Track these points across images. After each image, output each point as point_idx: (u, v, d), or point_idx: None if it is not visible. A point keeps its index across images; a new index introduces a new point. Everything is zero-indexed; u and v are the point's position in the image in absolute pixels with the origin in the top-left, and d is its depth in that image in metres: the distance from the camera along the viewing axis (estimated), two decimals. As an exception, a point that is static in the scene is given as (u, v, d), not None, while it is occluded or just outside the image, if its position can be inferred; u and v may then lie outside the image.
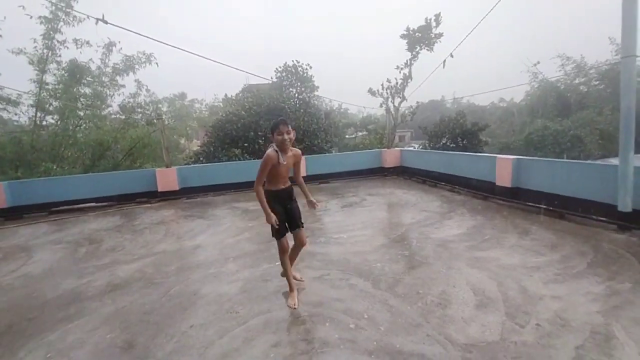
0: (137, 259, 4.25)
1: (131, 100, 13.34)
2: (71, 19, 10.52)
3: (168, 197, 8.07)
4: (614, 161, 4.61)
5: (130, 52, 12.35)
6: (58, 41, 10.94)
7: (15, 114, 11.44)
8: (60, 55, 11.25)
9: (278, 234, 2.86)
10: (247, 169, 9.11)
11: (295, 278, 3.20)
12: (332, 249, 4.19)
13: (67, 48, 11.20)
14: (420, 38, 11.66)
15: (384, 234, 4.66)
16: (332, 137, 14.15)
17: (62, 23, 10.66)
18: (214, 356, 2.27)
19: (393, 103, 12.39)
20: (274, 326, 2.59)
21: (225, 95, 21.71)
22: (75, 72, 11.43)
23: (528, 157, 6.22)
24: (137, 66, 12.27)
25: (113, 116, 13.95)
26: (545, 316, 2.51)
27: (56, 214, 7.22)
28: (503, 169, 6.16)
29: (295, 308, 2.81)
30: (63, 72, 11.43)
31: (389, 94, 12.37)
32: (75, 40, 11.21)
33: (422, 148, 16.40)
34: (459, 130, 14.34)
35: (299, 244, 3.04)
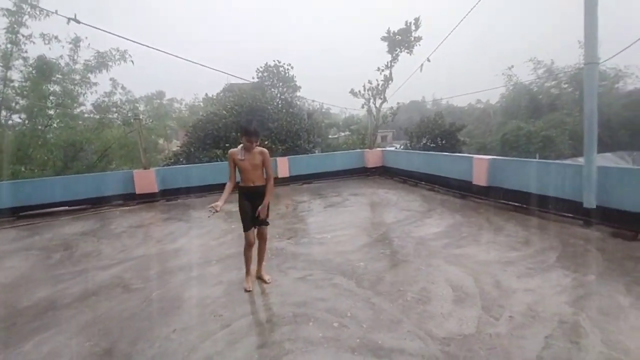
0: (114, 264, 4.11)
1: (106, 99, 12.84)
2: (37, 12, 9.99)
3: (147, 199, 7.84)
4: (582, 160, 4.92)
5: (103, 48, 11.79)
6: (23, 35, 10.37)
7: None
8: (26, 51, 10.68)
9: (245, 227, 3.14)
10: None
11: (262, 279, 3.39)
12: (315, 249, 4.23)
13: (34, 43, 10.63)
14: (401, 41, 11.91)
15: (367, 234, 4.75)
16: (315, 138, 14.19)
17: (27, 16, 10.10)
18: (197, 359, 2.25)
19: (374, 104, 12.59)
20: (258, 328, 2.59)
21: (206, 94, 21.27)
22: (44, 69, 10.86)
23: (502, 157, 6.50)
24: (110, 63, 11.80)
25: (86, 115, 13.37)
26: (518, 309, 2.65)
27: (26, 218, 6.85)
28: (479, 169, 6.42)
29: (249, 290, 3.13)
30: (30, 68, 10.84)
31: (370, 95, 12.56)
32: (43, 35, 10.65)
33: (403, 148, 16.74)
34: (438, 131, 14.76)
35: (260, 238, 3.29)
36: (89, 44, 11.45)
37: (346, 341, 2.36)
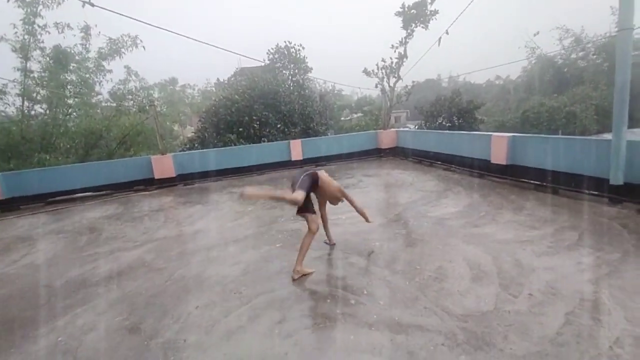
0: (138, 246, 4.30)
1: (121, 87, 13.00)
2: (50, 1, 10.05)
3: (165, 184, 8.06)
4: (608, 137, 4.67)
5: (114, 35, 11.80)
6: (39, 26, 10.50)
7: (2, 104, 11.14)
8: (42, 41, 10.84)
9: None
10: (243, 154, 9.08)
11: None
12: (332, 230, 4.25)
13: (49, 33, 10.76)
14: (416, 15, 11.36)
15: (382, 214, 4.73)
16: (328, 120, 14.03)
17: (41, 6, 10.19)
18: (220, 333, 2.36)
19: (388, 83, 12.22)
20: (277, 304, 2.67)
21: (218, 79, 21.25)
22: (61, 59, 11.05)
23: (522, 134, 6.24)
24: (123, 50, 11.85)
25: (104, 104, 13.64)
26: (537, 286, 2.61)
27: (53, 204, 7.20)
28: (498, 147, 6.20)
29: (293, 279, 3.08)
30: (48, 58, 11.05)
31: (384, 74, 12.17)
32: (56, 24, 10.75)
33: (418, 128, 16.35)
34: (455, 109, 14.28)
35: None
36: (99, 32, 11.50)
37: (363, 317, 2.40)
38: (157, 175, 8.03)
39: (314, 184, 3.21)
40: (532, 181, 5.51)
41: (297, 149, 9.28)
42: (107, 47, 11.74)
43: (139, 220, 5.50)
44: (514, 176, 5.92)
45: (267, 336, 2.30)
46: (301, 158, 9.31)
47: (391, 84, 12.26)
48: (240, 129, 11.41)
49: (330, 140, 10.54)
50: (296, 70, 15.28)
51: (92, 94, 12.45)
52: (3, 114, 11.91)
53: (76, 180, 7.64)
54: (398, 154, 9.95)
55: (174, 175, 8.16)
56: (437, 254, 3.33)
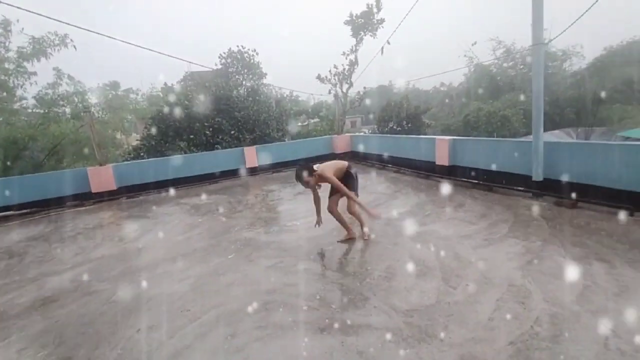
0: (70, 268, 3.86)
1: (50, 91, 11.66)
2: None
3: (104, 198, 7.37)
4: (530, 138, 5.27)
5: (42, 32, 10.52)
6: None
7: None
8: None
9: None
10: (194, 162, 8.67)
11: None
12: (286, 237, 4.24)
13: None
14: (364, 24, 11.90)
15: (336, 218, 4.81)
16: (284, 126, 13.98)
17: None
18: (164, 356, 2.20)
19: (341, 89, 12.60)
20: (227, 318, 2.57)
21: (165, 84, 20.06)
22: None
23: (461, 137, 6.82)
24: (49, 50, 10.63)
25: (29, 110, 12.11)
26: (473, 277, 2.85)
27: (-37, 227, 6.18)
28: (441, 149, 6.69)
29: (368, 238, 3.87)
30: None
31: (337, 80, 12.53)
32: None
33: (371, 132, 17.01)
34: (404, 114, 15.12)
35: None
36: (22, 28, 10.20)
37: (316, 322, 2.41)
38: (95, 188, 7.32)
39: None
40: (471, 180, 6.02)
41: (251, 156, 9.10)
42: (30, 46, 10.46)
43: (71, 239, 4.95)
44: (456, 176, 6.42)
45: (216, 353, 2.20)
46: (256, 165, 9.15)
47: (344, 90, 12.66)
48: (192, 136, 10.90)
49: (286, 146, 10.52)
50: (250, 76, 15.04)
51: (14, 99, 11.00)
52: None
53: (-7, 197, 6.66)
54: (353, 158, 10.24)
55: (114, 187, 7.49)
56: (387, 254, 3.48)
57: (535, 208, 4.48)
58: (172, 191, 7.84)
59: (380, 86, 43.25)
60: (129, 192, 7.70)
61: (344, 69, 12.55)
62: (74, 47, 10.70)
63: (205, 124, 10.93)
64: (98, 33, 5.89)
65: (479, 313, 2.36)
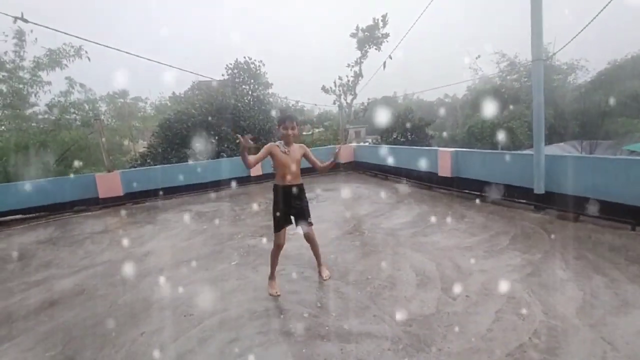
0: (77, 272, 3.94)
1: (62, 99, 11.99)
2: None
3: (111, 203, 7.50)
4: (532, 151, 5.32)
5: (57, 43, 10.91)
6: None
7: None
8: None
9: (276, 228, 2.95)
10: (200, 170, 8.80)
11: (321, 274, 3.26)
12: (288, 245, 4.23)
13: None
14: (369, 37, 12.16)
15: (338, 227, 4.87)
16: (289, 135, 14.12)
17: None
18: (168, 359, 2.26)
19: (345, 100, 12.78)
20: (230, 324, 2.62)
21: (173, 93, 20.52)
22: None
23: (464, 149, 6.88)
24: (65, 61, 11.01)
25: (40, 117, 12.44)
26: (473, 288, 2.88)
27: (-27, 229, 6.32)
28: (444, 161, 6.75)
29: (278, 295, 2.96)
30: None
31: (341, 91, 12.74)
32: None
33: (374, 143, 17.12)
34: (408, 125, 15.24)
35: (309, 239, 3.15)
36: (35, 39, 10.55)
37: (316, 329, 2.45)
38: (102, 194, 7.46)
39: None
40: (473, 192, 6.06)
41: (256, 165, 9.21)
42: (46, 57, 10.83)
43: (78, 244, 5.05)
44: (458, 187, 6.46)
45: (218, 357, 2.24)
46: (261, 173, 9.26)
47: (348, 101, 12.85)
48: (197, 144, 11.08)
49: (290, 155, 10.61)
50: (256, 86, 15.33)
51: (27, 106, 11.32)
52: None
53: (4, 201, 6.82)
54: (356, 168, 10.33)
55: (121, 193, 7.63)
56: (388, 263, 3.51)
57: (537, 221, 4.50)
58: (177, 198, 7.96)
59: (384, 97, 43.70)
60: (136, 198, 7.83)
61: (349, 81, 12.78)
62: (88, 58, 11.06)
63: (211, 132, 11.12)
64: (112, 47, 6.12)
65: (478, 324, 2.38)
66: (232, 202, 7.09)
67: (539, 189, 4.87)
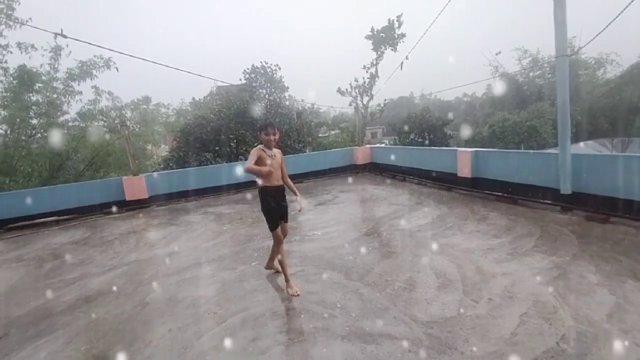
0: (107, 271, 4.15)
1: (91, 107, 12.66)
2: (12, 21, 9.78)
3: (137, 205, 7.83)
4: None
5: (87, 56, 11.65)
6: (0, 45, 10.18)
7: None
8: (6, 61, 10.49)
9: (274, 225, 3.11)
10: (219, 172, 9.03)
11: (278, 271, 3.46)
12: (307, 246, 4.34)
13: (11, 53, 10.45)
14: (384, 38, 12.10)
15: (356, 229, 4.88)
16: (305, 137, 14.28)
17: (3, 26, 9.90)
18: (193, 355, 2.34)
19: (361, 101, 12.76)
20: (251, 322, 2.69)
21: (193, 98, 21.16)
22: (25, 79, 10.68)
23: (484, 149, 6.71)
24: (94, 72, 11.66)
25: (71, 124, 13.18)
26: (496, 291, 2.81)
27: (13, 230, 6.78)
28: (463, 161, 6.61)
29: (298, 295, 3.03)
30: (11, 79, 10.65)
31: (357, 92, 12.73)
32: (19, 45, 10.47)
33: (392, 144, 16.96)
34: (426, 126, 15.01)
35: (284, 234, 3.31)
36: (69, 52, 11.27)
37: (336, 330, 2.48)
38: (129, 197, 7.80)
39: None
40: (494, 193, 5.90)
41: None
42: (78, 68, 11.50)
43: (108, 244, 5.31)
44: (479, 188, 6.31)
45: (241, 355, 2.31)
46: (278, 175, 9.38)
47: (364, 102, 12.81)
48: (217, 148, 11.38)
49: (307, 157, 10.72)
50: (273, 90, 15.58)
51: (58, 114, 12.03)
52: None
53: (39, 204, 7.26)
54: (373, 169, 10.28)
55: (146, 196, 7.95)
56: (408, 265, 3.49)
57: (564, 222, 4.33)
58: (198, 200, 8.21)
59: (401, 97, 43.21)
60: (159, 201, 8.13)
61: (365, 82, 12.75)
62: (117, 69, 11.64)
63: (230, 135, 11.40)
64: (138, 57, 6.44)
65: (501, 328, 2.33)
66: (251, 204, 7.23)
67: (566, 189, 4.69)
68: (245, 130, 11.77)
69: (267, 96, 15.24)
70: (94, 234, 6.05)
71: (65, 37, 5.29)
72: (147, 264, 4.27)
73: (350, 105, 13.14)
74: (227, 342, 2.45)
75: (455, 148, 7.22)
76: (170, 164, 11.41)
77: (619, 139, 19.31)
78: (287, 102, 16.46)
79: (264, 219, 3.15)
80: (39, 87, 11.05)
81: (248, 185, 9.05)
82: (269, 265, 3.58)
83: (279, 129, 3.20)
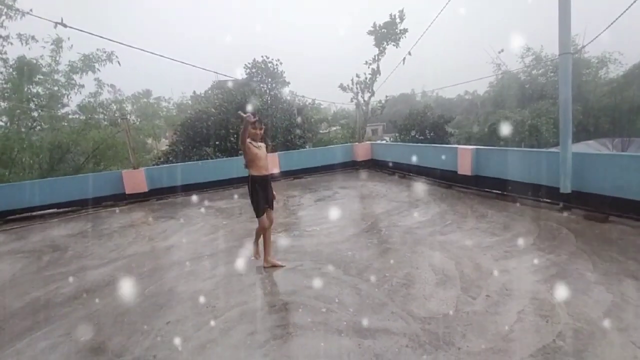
0: (107, 263, 4.16)
1: (92, 99, 12.61)
2: (13, 12, 9.69)
3: (137, 199, 7.83)
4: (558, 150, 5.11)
5: (88, 50, 11.54)
6: (0, 36, 10.10)
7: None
8: (5, 53, 10.42)
9: (260, 211, 3.44)
10: (220, 167, 9.03)
11: (275, 265, 3.61)
12: (306, 241, 4.34)
13: (12, 44, 10.38)
14: (386, 34, 11.99)
15: (355, 225, 4.88)
16: (306, 133, 14.24)
17: (4, 17, 9.82)
18: (191, 348, 2.36)
19: (363, 98, 12.69)
20: (250, 316, 2.70)
21: (194, 92, 21.06)
22: (25, 71, 10.62)
23: (485, 147, 6.69)
24: (97, 65, 11.60)
25: (71, 116, 13.13)
26: (494, 288, 2.82)
27: (13, 222, 6.79)
28: (464, 159, 6.60)
29: (257, 258, 3.61)
30: (11, 70, 10.59)
31: (358, 89, 12.65)
32: (20, 36, 10.39)
33: (392, 141, 16.92)
34: (427, 123, 14.96)
35: (270, 221, 3.61)
36: (71, 45, 11.20)
37: (334, 324, 2.49)
38: (129, 190, 7.80)
39: None
40: (494, 190, 5.89)
41: (273, 163, 9.35)
42: (80, 62, 11.44)
43: (107, 237, 5.32)
44: (479, 186, 6.30)
45: (239, 348, 2.32)
46: (279, 171, 9.38)
47: (365, 99, 12.74)
48: (217, 142, 11.35)
49: (308, 153, 10.71)
50: (274, 84, 15.49)
51: (59, 106, 11.98)
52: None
53: (39, 196, 7.27)
54: (373, 166, 10.26)
55: (146, 190, 7.95)
56: (406, 262, 3.50)
57: (563, 221, 4.33)
58: (198, 194, 8.20)
59: (402, 94, 43.01)
60: (159, 195, 8.13)
61: (366, 78, 12.65)
62: (119, 62, 11.58)
63: (231, 130, 11.35)
64: (143, 50, 6.36)
65: (498, 324, 2.34)
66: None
67: (565, 187, 4.68)
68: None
69: (268, 91, 15.17)
70: (94, 226, 6.05)
71: (65, 26, 5.23)
72: (146, 257, 4.28)
73: (351, 101, 13.06)
74: (225, 336, 2.47)
75: (456, 145, 7.19)
76: (170, 158, 11.39)
77: (619, 139, 19.27)
78: (288, 98, 16.41)
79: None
80: (39, 79, 10.99)
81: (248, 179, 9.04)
82: (267, 260, 3.60)
83: (264, 125, 3.55)
